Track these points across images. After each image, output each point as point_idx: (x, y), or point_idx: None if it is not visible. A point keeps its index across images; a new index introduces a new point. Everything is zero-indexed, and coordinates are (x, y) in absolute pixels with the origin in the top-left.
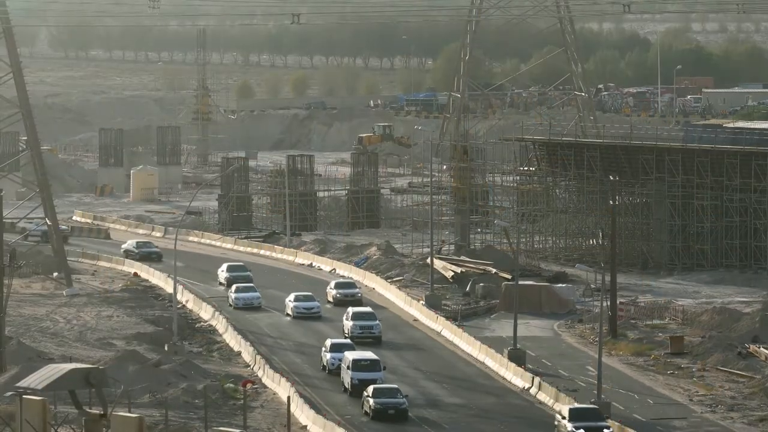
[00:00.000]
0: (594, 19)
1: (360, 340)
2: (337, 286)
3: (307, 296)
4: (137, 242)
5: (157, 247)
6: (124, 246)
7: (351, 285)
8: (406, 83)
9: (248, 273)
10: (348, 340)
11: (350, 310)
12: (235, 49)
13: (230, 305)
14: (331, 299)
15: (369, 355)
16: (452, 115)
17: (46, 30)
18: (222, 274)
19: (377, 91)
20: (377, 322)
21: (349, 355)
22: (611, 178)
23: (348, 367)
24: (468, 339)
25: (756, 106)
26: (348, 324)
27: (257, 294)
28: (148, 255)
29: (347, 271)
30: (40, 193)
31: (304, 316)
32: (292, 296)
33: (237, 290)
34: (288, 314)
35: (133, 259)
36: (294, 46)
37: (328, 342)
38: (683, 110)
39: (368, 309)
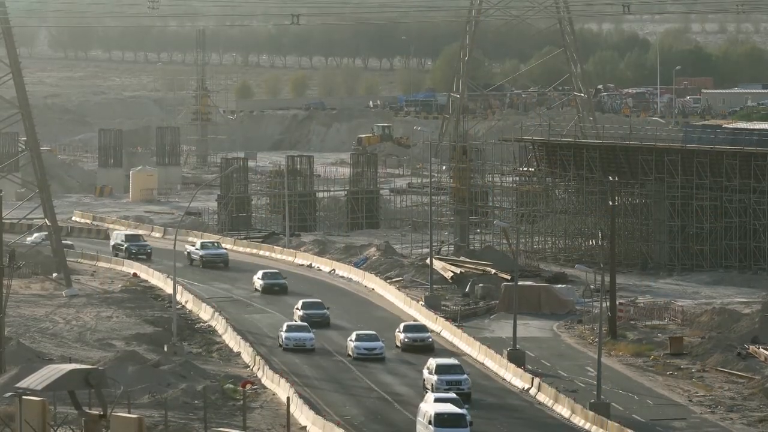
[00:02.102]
0: (593, 20)
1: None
2: (406, 329)
3: (370, 335)
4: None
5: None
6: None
7: (421, 328)
8: (405, 84)
9: (284, 281)
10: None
11: (432, 362)
12: (234, 50)
13: (280, 345)
14: (398, 344)
15: (453, 408)
16: (451, 116)
17: (46, 30)
18: (258, 281)
19: (376, 92)
20: (465, 376)
21: (430, 408)
22: (610, 178)
23: (429, 422)
24: (467, 339)
25: (755, 107)
26: (431, 378)
27: (311, 335)
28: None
29: (346, 271)
30: (39, 194)
31: (366, 357)
32: (353, 335)
33: (288, 329)
34: (349, 355)
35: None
36: (293, 47)
37: None
38: (683, 111)
39: (454, 361)
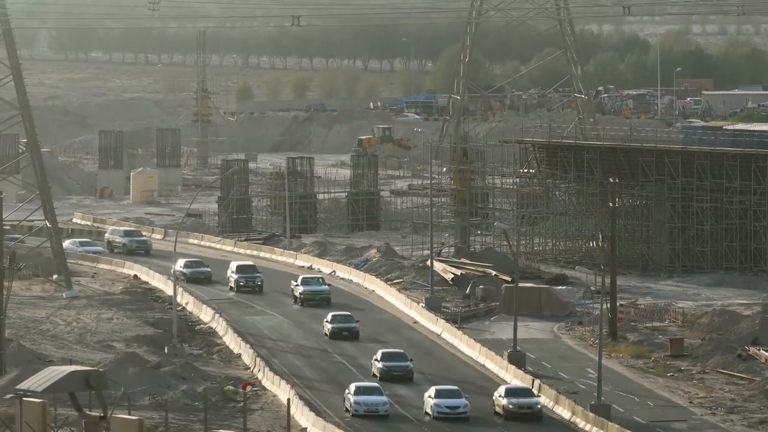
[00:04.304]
0: (594, 21)
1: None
2: (508, 393)
3: (451, 391)
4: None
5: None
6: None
7: (527, 391)
8: (405, 85)
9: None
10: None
11: (432, 389)
12: (234, 51)
13: (347, 410)
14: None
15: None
16: (452, 117)
17: (46, 32)
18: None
19: (377, 93)
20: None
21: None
22: (611, 180)
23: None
24: (468, 341)
25: (756, 108)
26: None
27: (384, 399)
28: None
29: (347, 273)
30: (39, 196)
31: (448, 417)
32: (432, 390)
33: (357, 391)
34: (427, 413)
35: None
36: (294, 48)
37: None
38: (683, 112)
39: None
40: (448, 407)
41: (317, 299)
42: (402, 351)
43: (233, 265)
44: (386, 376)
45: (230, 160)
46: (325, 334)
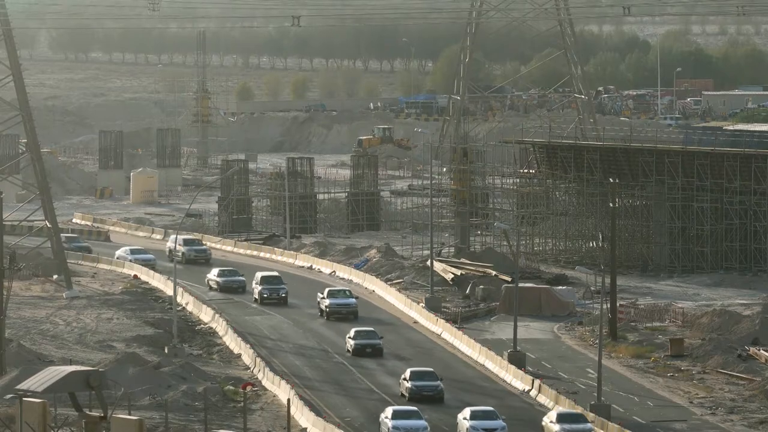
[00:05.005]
0: (594, 22)
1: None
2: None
3: (487, 412)
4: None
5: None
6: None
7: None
8: (405, 86)
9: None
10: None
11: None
12: (234, 52)
13: None
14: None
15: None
16: (452, 118)
17: (46, 32)
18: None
19: (377, 94)
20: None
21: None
22: (611, 180)
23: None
24: (468, 341)
25: (756, 109)
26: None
27: (423, 423)
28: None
29: (347, 273)
30: (39, 196)
31: None
32: (467, 411)
33: (395, 415)
34: None
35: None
36: (294, 49)
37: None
38: (683, 112)
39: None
40: (484, 429)
41: (344, 312)
42: (432, 370)
43: (257, 276)
44: (415, 396)
45: (230, 160)
46: (348, 350)
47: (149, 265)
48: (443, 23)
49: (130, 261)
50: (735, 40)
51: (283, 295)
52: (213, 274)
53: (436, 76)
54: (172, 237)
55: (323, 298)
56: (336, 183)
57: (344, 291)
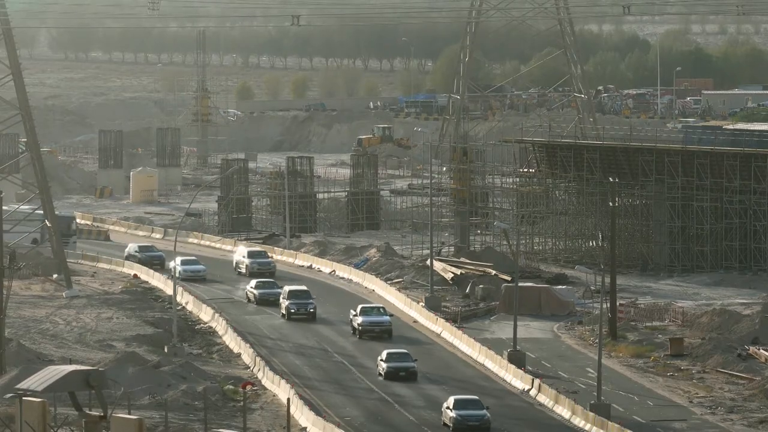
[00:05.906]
0: (594, 21)
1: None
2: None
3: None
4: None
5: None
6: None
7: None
8: (405, 85)
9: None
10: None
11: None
12: (234, 51)
13: (445, 424)
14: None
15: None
16: (452, 117)
17: (46, 32)
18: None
19: (377, 93)
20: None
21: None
22: (611, 179)
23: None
24: (468, 341)
25: (755, 108)
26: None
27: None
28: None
29: (347, 272)
30: (39, 195)
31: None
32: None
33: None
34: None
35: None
36: (294, 48)
37: None
38: (683, 112)
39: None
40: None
41: (377, 331)
42: (477, 398)
43: (285, 289)
44: (460, 427)
45: (230, 159)
46: (380, 374)
47: (200, 277)
48: (443, 22)
49: (180, 273)
50: (735, 39)
51: (311, 310)
52: (251, 286)
53: (435, 76)
54: (240, 249)
55: (356, 315)
56: (336, 182)
57: (378, 308)
